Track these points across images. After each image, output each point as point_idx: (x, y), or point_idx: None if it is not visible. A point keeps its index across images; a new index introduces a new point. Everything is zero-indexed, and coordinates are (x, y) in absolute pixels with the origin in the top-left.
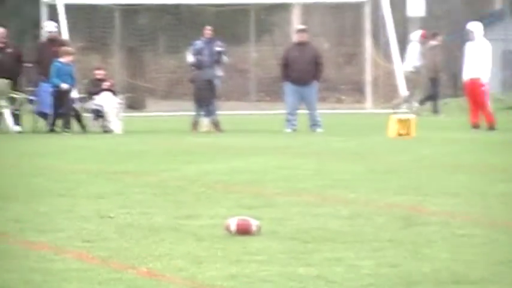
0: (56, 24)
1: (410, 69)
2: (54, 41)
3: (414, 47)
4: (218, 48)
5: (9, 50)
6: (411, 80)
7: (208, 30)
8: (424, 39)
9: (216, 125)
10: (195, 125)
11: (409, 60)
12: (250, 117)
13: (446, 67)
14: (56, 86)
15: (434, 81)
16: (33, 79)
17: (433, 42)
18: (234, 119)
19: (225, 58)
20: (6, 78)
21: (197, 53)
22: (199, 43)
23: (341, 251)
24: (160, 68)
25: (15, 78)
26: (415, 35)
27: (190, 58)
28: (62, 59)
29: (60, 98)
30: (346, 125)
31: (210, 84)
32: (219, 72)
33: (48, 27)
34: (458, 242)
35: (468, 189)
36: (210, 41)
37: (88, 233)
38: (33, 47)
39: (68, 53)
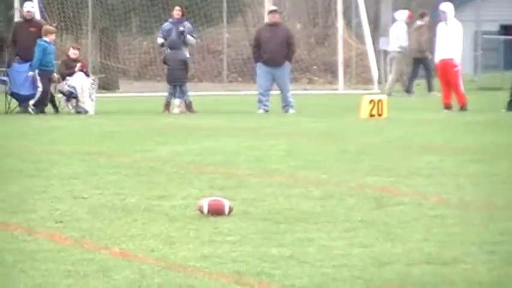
0: (33, 5)
1: (397, 49)
2: (31, 21)
3: (400, 27)
4: (181, 28)
5: None
6: (398, 60)
7: (177, 11)
8: (410, 19)
9: (188, 106)
10: (167, 106)
11: (394, 40)
12: (222, 98)
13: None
14: (45, 67)
15: (419, 62)
16: (6, 60)
17: (419, 22)
18: (206, 100)
19: (190, 39)
20: None
21: (166, 34)
22: (167, 24)
23: (313, 231)
24: (133, 48)
25: None
26: (401, 15)
27: (159, 40)
28: (46, 38)
29: (47, 79)
30: (318, 106)
31: (184, 64)
32: (186, 53)
33: (26, 7)
34: (430, 223)
35: (440, 170)
36: (178, 22)
37: (61, 214)
38: (8, 28)
39: (51, 32)
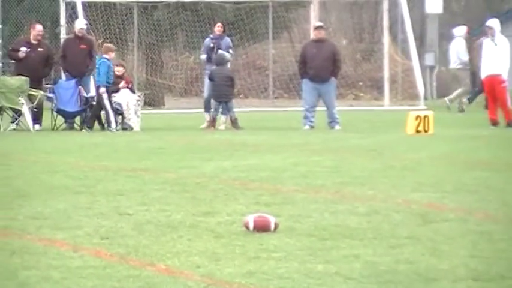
0: (86, 22)
1: (458, 66)
2: (82, 38)
3: (459, 43)
4: (211, 45)
5: (40, 49)
6: (462, 76)
7: (218, 27)
8: (468, 35)
9: (234, 122)
10: (213, 122)
11: (454, 57)
12: (268, 114)
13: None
14: (108, 84)
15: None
16: (52, 76)
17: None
18: (252, 116)
19: (226, 54)
20: (33, 76)
21: (208, 50)
22: (208, 40)
23: (359, 247)
24: (179, 64)
25: (41, 77)
26: (460, 31)
27: (203, 56)
28: (106, 56)
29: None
30: (364, 122)
31: (230, 80)
32: None
33: (78, 23)
34: (476, 239)
35: (486, 186)
36: (220, 38)
37: (106, 230)
38: (54, 44)
39: (112, 50)
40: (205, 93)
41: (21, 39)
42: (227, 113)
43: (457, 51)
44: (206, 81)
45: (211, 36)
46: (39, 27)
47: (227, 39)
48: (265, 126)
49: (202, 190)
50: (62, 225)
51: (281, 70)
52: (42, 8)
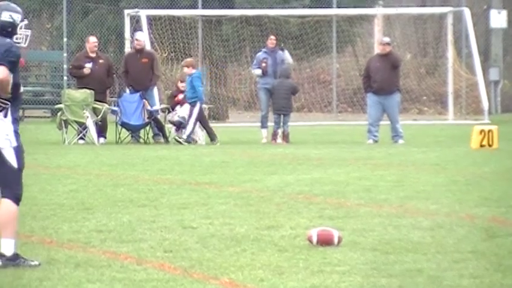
0: (143, 35)
1: None
2: (142, 52)
3: None
4: (257, 72)
5: (101, 61)
6: None
7: (271, 40)
8: None
9: (286, 135)
10: (275, 135)
11: None
12: (332, 128)
13: None
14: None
15: None
16: (116, 90)
17: None
18: (315, 130)
19: (289, 61)
20: (98, 89)
21: (260, 64)
22: (262, 54)
23: (422, 262)
24: (242, 78)
25: (105, 89)
26: None
27: (257, 70)
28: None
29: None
30: (427, 136)
31: (290, 93)
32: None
33: (137, 36)
34: None
35: None
36: (273, 51)
37: (170, 243)
38: (119, 58)
39: (193, 65)
40: (264, 110)
41: (80, 54)
42: (283, 125)
43: None
44: (262, 96)
45: (264, 49)
46: (93, 39)
47: (281, 53)
48: (329, 140)
49: (266, 204)
50: (126, 238)
51: (345, 84)
52: (107, 22)
